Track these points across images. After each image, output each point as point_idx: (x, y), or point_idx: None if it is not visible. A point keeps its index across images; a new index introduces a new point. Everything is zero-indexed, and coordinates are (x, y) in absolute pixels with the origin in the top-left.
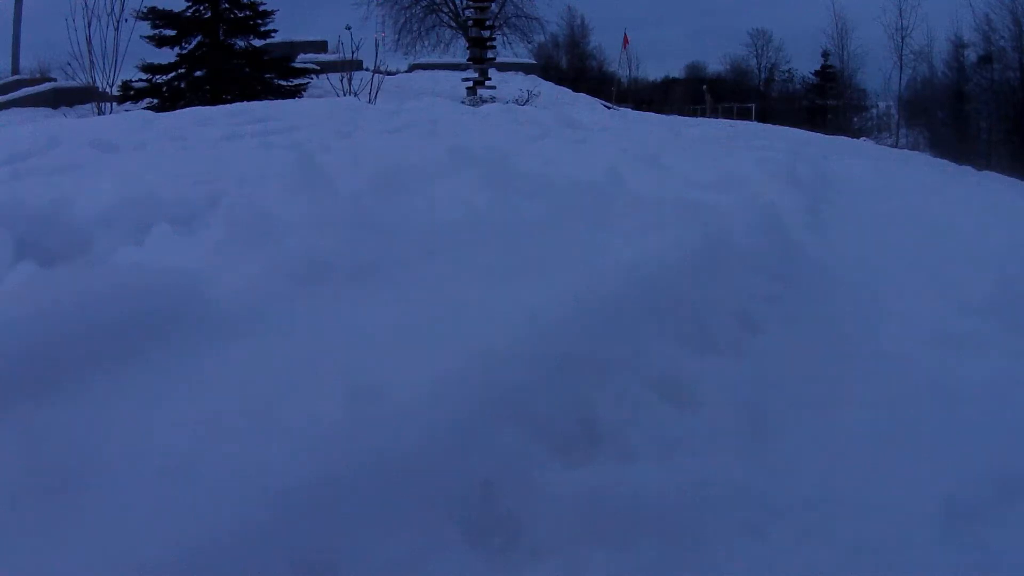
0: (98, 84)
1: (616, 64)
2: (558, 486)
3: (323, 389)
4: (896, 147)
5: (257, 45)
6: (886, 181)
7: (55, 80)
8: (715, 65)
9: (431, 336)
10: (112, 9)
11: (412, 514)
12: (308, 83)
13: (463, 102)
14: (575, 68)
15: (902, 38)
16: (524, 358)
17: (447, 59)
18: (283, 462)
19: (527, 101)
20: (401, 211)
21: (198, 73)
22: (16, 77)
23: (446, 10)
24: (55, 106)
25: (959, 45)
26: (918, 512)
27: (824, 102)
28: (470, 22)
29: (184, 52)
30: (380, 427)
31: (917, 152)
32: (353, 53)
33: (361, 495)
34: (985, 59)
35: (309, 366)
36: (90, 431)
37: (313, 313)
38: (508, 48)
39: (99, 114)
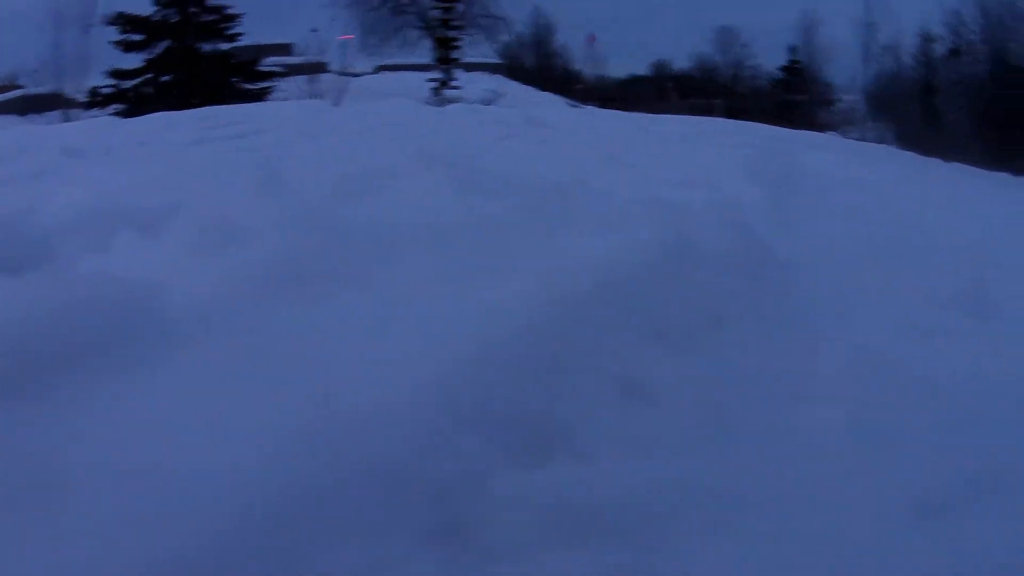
0: (66, 91)
1: (582, 63)
2: (516, 489)
3: (281, 396)
4: (863, 141)
5: (224, 49)
6: (853, 175)
7: (23, 87)
8: (681, 62)
9: (388, 341)
10: (80, 16)
11: (369, 523)
12: (275, 86)
13: (429, 103)
14: (541, 67)
15: (870, 33)
16: (484, 360)
17: (413, 60)
18: (241, 471)
19: (493, 101)
20: (364, 214)
21: (165, 78)
22: None
23: (412, 11)
24: (23, 113)
25: (927, 39)
26: (889, 508)
27: (791, 97)
28: (436, 22)
29: (152, 57)
30: (335, 435)
31: (884, 146)
32: (320, 55)
33: (317, 504)
34: (954, 52)
35: (268, 373)
36: (49, 441)
37: (273, 319)
38: (474, 48)
39: (67, 120)
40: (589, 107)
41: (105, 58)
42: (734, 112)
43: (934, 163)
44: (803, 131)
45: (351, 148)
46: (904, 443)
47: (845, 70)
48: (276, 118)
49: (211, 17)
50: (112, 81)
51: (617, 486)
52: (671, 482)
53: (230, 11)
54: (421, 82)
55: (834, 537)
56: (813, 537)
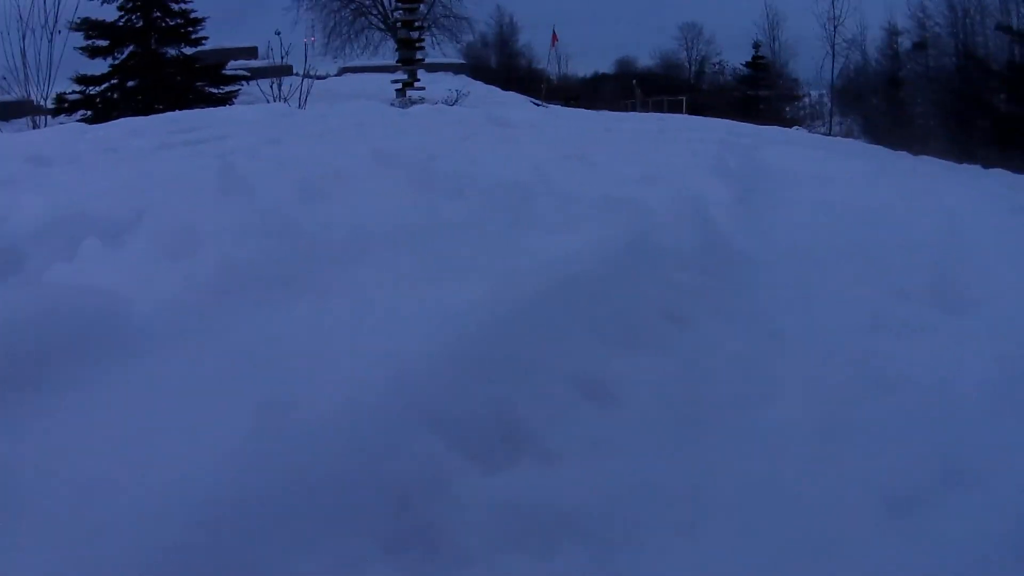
0: (33, 98)
1: (545, 62)
2: (478, 493)
3: (235, 403)
4: (830, 135)
5: (188, 53)
6: (819, 168)
7: None
8: (645, 60)
9: (347, 345)
10: (46, 22)
11: (329, 529)
12: (239, 90)
13: (393, 104)
14: (505, 67)
15: (835, 27)
16: (441, 363)
17: (377, 61)
18: (199, 479)
19: (456, 101)
20: (324, 217)
21: (131, 83)
22: None
23: (375, 12)
24: None
25: (893, 32)
26: (858, 505)
27: (756, 93)
28: (399, 24)
29: (117, 63)
30: (292, 441)
31: (851, 139)
32: (283, 58)
33: (275, 512)
34: (919, 46)
35: (228, 379)
36: (9, 450)
37: (229, 325)
38: (437, 48)
39: (34, 127)
40: (554, 106)
41: (71, 64)
42: (699, 109)
43: (902, 156)
44: (768, 126)
45: (313, 151)
46: (871, 439)
47: (810, 65)
48: (240, 122)
49: (175, 21)
50: (78, 87)
51: (582, 488)
52: (636, 483)
53: (194, 15)
54: (385, 83)
55: (805, 535)
56: (783, 535)
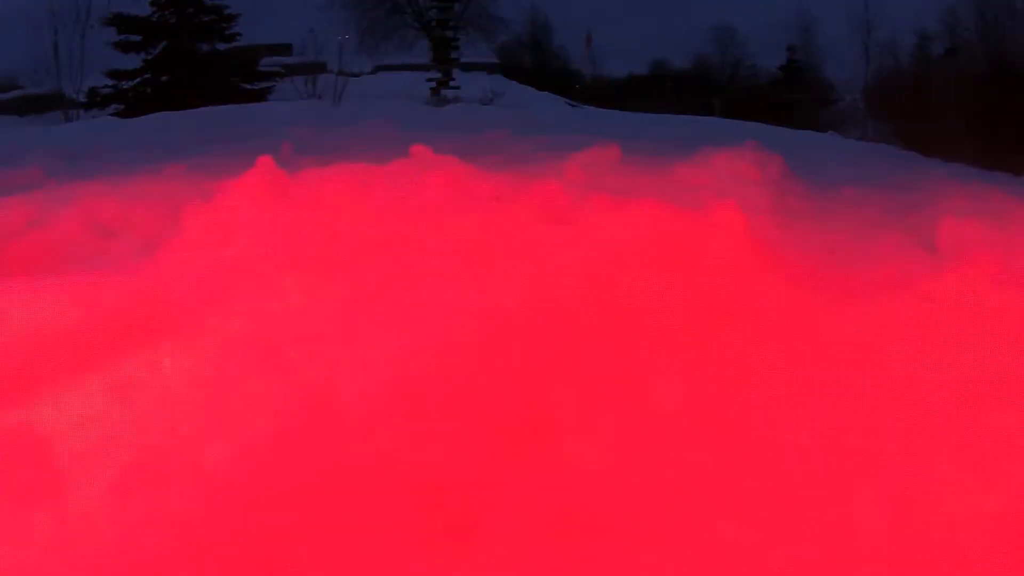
0: (65, 91)
1: (579, 63)
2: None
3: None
4: (864, 140)
5: (221, 49)
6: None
7: (22, 87)
8: (680, 62)
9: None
10: (78, 16)
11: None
12: (273, 86)
13: (427, 103)
14: (539, 67)
15: (868, 31)
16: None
17: (411, 60)
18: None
19: (491, 101)
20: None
21: (164, 78)
22: None
23: (409, 11)
24: (22, 114)
25: (925, 38)
26: None
27: (789, 96)
28: (433, 23)
29: (150, 58)
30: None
31: (885, 145)
32: (317, 56)
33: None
34: (951, 52)
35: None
36: None
37: None
38: (471, 48)
39: (66, 121)
40: (587, 107)
41: (103, 59)
42: (733, 111)
43: (934, 163)
44: (803, 131)
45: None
46: None
47: (844, 69)
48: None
49: (209, 17)
50: (111, 81)
51: None
52: None
53: (228, 11)
54: (419, 82)
55: None
56: None
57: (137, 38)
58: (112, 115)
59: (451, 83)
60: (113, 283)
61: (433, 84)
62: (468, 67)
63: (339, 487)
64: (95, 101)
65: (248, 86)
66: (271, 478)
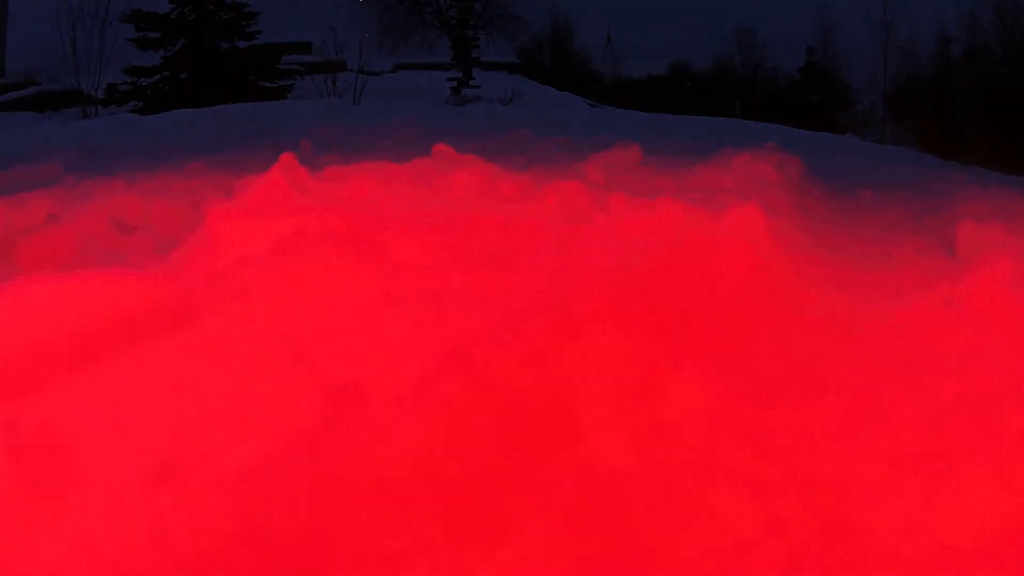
0: (83, 87)
1: (600, 63)
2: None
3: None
4: (882, 143)
5: (241, 47)
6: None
7: (40, 84)
8: (699, 63)
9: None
10: (97, 12)
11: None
12: (293, 84)
13: (447, 102)
14: (559, 67)
15: (887, 33)
16: None
17: (431, 59)
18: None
19: (511, 100)
20: None
21: (182, 76)
22: (1, 81)
23: (430, 10)
24: (40, 110)
25: (944, 40)
26: None
27: (809, 98)
28: (454, 22)
29: (168, 55)
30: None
31: (903, 148)
32: (337, 54)
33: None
34: (970, 54)
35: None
36: None
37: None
38: (492, 48)
39: (84, 117)
40: (607, 108)
41: (122, 56)
42: (752, 112)
43: (952, 166)
44: (822, 132)
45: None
46: None
47: (863, 71)
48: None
49: (228, 15)
50: (129, 78)
51: None
52: None
53: (248, 9)
54: (439, 81)
55: None
56: None
57: (156, 35)
58: (130, 112)
59: (471, 82)
60: (133, 279)
61: (454, 83)
62: (489, 66)
63: (366, 485)
64: (113, 98)
65: (267, 84)
66: (297, 475)
